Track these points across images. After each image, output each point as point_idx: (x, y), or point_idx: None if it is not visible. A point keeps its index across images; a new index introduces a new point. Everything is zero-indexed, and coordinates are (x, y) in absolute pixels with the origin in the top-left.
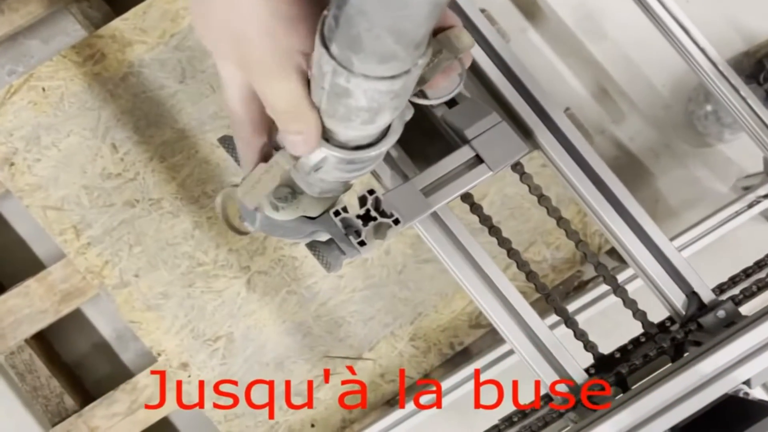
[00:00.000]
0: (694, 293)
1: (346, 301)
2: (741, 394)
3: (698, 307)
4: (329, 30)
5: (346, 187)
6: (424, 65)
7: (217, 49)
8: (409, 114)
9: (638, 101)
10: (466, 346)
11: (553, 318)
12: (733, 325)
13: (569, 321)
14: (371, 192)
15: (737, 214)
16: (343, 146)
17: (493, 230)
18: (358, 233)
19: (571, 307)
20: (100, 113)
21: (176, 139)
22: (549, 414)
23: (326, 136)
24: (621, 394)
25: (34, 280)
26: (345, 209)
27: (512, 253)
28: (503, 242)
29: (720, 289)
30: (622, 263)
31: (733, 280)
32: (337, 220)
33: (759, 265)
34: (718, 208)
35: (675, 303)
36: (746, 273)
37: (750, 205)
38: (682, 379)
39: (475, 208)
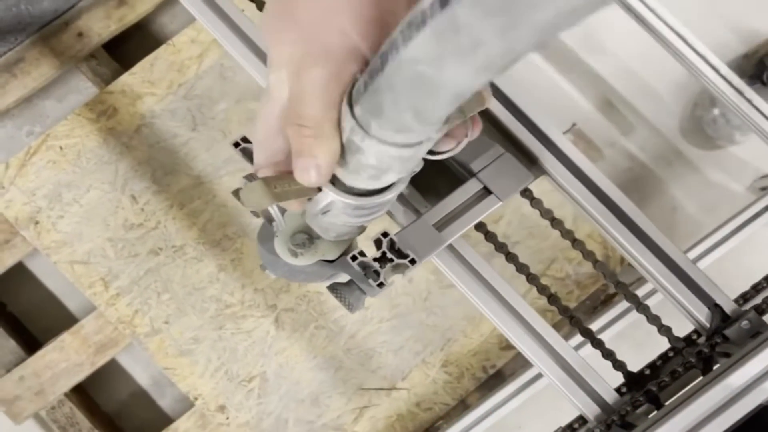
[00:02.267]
0: (717, 306)
1: (374, 332)
2: None
3: (722, 319)
4: (357, 92)
5: (361, 229)
6: (437, 139)
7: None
8: (419, 167)
9: (645, 111)
10: (499, 368)
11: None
12: (759, 335)
13: (595, 341)
14: (385, 234)
15: (757, 216)
16: (349, 192)
17: (510, 256)
18: (377, 274)
19: (597, 324)
20: (117, 166)
21: (193, 186)
22: None
23: (333, 181)
24: (655, 412)
25: (68, 333)
26: (362, 253)
27: (531, 278)
28: (521, 268)
29: (743, 298)
30: None
31: (756, 288)
32: (355, 264)
33: None
34: (736, 210)
35: (698, 317)
36: (767, 279)
37: None
38: (714, 393)
39: (490, 236)
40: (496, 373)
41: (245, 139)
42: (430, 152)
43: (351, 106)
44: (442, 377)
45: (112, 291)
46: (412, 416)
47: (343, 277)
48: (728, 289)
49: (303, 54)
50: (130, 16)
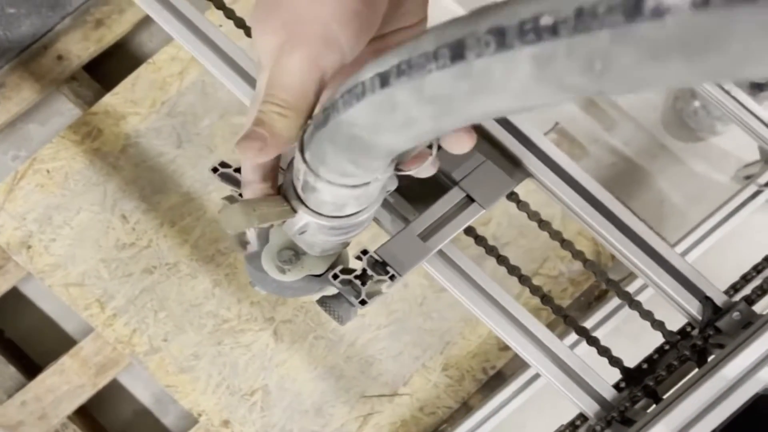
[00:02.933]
0: (707, 298)
1: (373, 339)
2: None
3: (713, 311)
4: (307, 138)
5: (345, 243)
6: (384, 181)
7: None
8: (393, 185)
9: (626, 106)
10: (499, 369)
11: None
12: (750, 325)
13: (591, 339)
14: (365, 252)
15: (743, 205)
16: (322, 214)
17: (501, 259)
18: (357, 293)
19: (592, 320)
20: (106, 187)
21: (183, 203)
22: None
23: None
24: (654, 406)
25: (68, 356)
26: (343, 271)
27: (523, 279)
28: (513, 270)
29: (734, 288)
30: None
31: (745, 278)
32: (336, 282)
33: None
34: (722, 200)
35: (690, 310)
36: (757, 270)
37: (754, 195)
38: (711, 385)
39: (480, 240)
40: (497, 373)
41: (224, 164)
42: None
43: (302, 151)
44: (443, 381)
45: (108, 312)
46: (415, 421)
47: (332, 290)
48: (719, 278)
49: (283, 41)
50: (109, 36)
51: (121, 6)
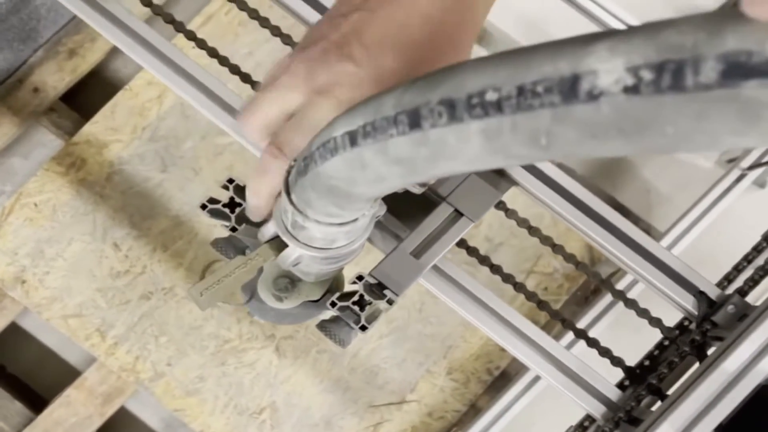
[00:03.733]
0: (701, 293)
1: (375, 348)
2: None
3: (708, 305)
4: (291, 182)
5: (340, 268)
6: (373, 213)
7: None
8: (382, 211)
9: None
10: (504, 369)
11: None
12: (746, 317)
13: (590, 340)
14: (360, 278)
15: (728, 190)
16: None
17: (494, 268)
18: (357, 317)
19: (590, 315)
20: (95, 216)
21: (173, 227)
22: None
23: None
24: (659, 403)
25: (73, 388)
26: (341, 297)
27: (518, 287)
28: (507, 278)
29: (727, 279)
30: None
31: (737, 269)
32: (335, 310)
33: (757, 249)
34: (708, 185)
35: (685, 305)
36: (747, 260)
37: (738, 179)
38: (713, 380)
39: (471, 251)
40: (501, 373)
41: (212, 200)
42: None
43: (288, 193)
44: (449, 384)
45: (109, 340)
46: (425, 427)
47: (331, 313)
48: (712, 265)
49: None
50: (83, 66)
51: (93, 34)
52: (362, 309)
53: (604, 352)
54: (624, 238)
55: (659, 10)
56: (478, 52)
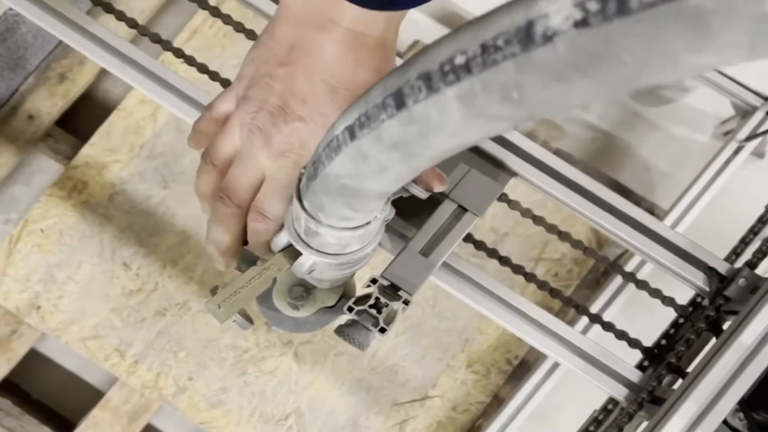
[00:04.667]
0: (711, 269)
1: (393, 347)
2: None
3: (719, 280)
4: (303, 189)
5: (353, 272)
6: (384, 216)
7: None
8: (391, 214)
9: None
10: (523, 357)
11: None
12: (757, 289)
13: (605, 324)
14: (374, 281)
15: (727, 163)
16: (327, 253)
17: (503, 260)
18: (375, 320)
19: (603, 298)
20: (102, 238)
21: (180, 242)
22: (620, 418)
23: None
24: (680, 381)
25: (98, 409)
26: (356, 302)
27: (529, 277)
28: (517, 269)
29: (735, 253)
30: None
31: (744, 242)
32: (352, 315)
33: (762, 221)
34: (706, 159)
35: (696, 282)
36: (753, 231)
37: (736, 152)
38: (731, 354)
39: (479, 245)
40: (521, 362)
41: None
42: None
43: (300, 199)
44: (470, 377)
45: (129, 359)
46: (451, 421)
47: (347, 318)
48: (719, 238)
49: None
50: (74, 89)
51: (81, 57)
52: (379, 311)
53: (621, 335)
54: (629, 220)
55: None
56: None
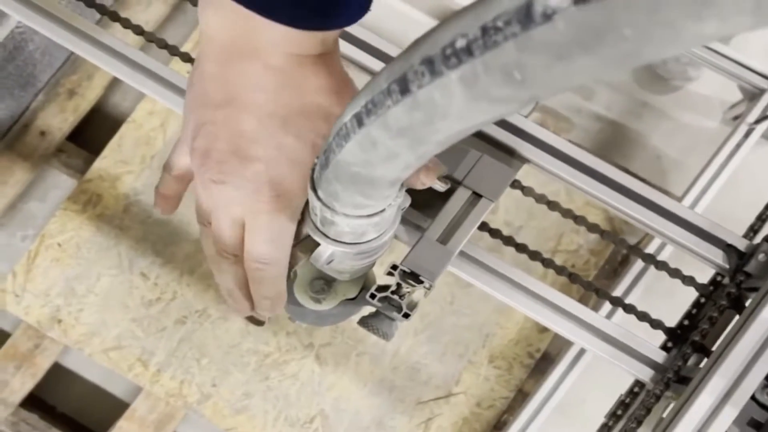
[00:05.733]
0: (729, 246)
1: (413, 345)
2: None
3: (738, 257)
4: (316, 178)
5: (372, 263)
6: (398, 202)
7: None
8: (407, 202)
9: None
10: (544, 351)
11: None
12: None
13: (626, 307)
14: (395, 267)
15: (738, 147)
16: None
17: (520, 247)
18: (398, 307)
19: (622, 286)
20: (119, 249)
21: (197, 250)
22: (647, 400)
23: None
24: (705, 359)
25: (124, 419)
26: (378, 289)
27: (547, 263)
28: (534, 255)
29: (752, 230)
30: None
31: (761, 218)
32: (375, 302)
33: None
34: (717, 145)
35: (715, 260)
36: None
37: (747, 135)
38: (755, 329)
39: (494, 233)
40: (543, 355)
41: None
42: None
43: (315, 189)
44: (493, 373)
45: (152, 368)
46: (476, 417)
47: (369, 310)
48: (736, 221)
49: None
50: (83, 104)
51: (89, 72)
52: (401, 298)
53: (642, 317)
54: (644, 201)
55: None
56: None
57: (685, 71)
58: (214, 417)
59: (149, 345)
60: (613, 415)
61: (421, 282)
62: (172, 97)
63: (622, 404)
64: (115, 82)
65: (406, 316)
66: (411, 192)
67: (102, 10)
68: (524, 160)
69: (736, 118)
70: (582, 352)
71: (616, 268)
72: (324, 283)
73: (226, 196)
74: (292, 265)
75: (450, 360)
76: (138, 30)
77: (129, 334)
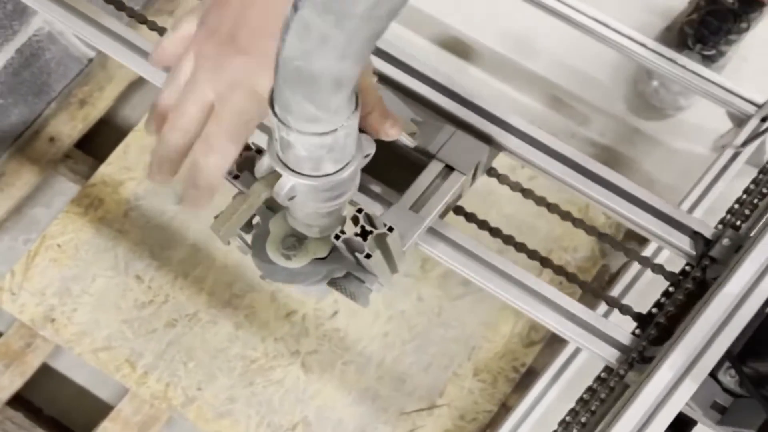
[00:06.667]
0: (696, 233)
1: (400, 355)
2: None
3: (704, 243)
4: (274, 89)
5: (341, 220)
6: (352, 125)
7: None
8: (370, 148)
9: (592, 99)
10: (529, 365)
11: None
12: (741, 248)
13: (596, 292)
14: (360, 210)
15: (724, 169)
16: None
17: (519, 246)
18: (360, 248)
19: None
20: (116, 251)
21: (192, 254)
22: (612, 379)
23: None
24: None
25: (108, 421)
26: (343, 231)
27: (545, 262)
28: (532, 254)
29: (722, 223)
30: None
31: (731, 212)
32: (339, 243)
33: (747, 192)
34: (706, 170)
35: (683, 247)
36: (739, 202)
37: (733, 158)
38: (716, 304)
39: (495, 232)
40: (528, 370)
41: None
42: None
43: (272, 106)
44: (477, 386)
45: (139, 370)
46: (459, 430)
47: (340, 272)
48: None
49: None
50: (93, 113)
51: (101, 83)
52: (365, 239)
53: (612, 302)
54: (614, 188)
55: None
56: (466, 68)
57: (676, 101)
58: (198, 420)
59: (138, 346)
60: (581, 401)
61: (385, 225)
62: None
63: (590, 390)
64: (125, 95)
65: (368, 256)
66: (384, 168)
67: (130, 12)
68: (500, 147)
69: (723, 147)
70: (564, 366)
71: (603, 286)
72: (295, 240)
73: (206, 76)
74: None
75: (435, 371)
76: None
77: (119, 335)
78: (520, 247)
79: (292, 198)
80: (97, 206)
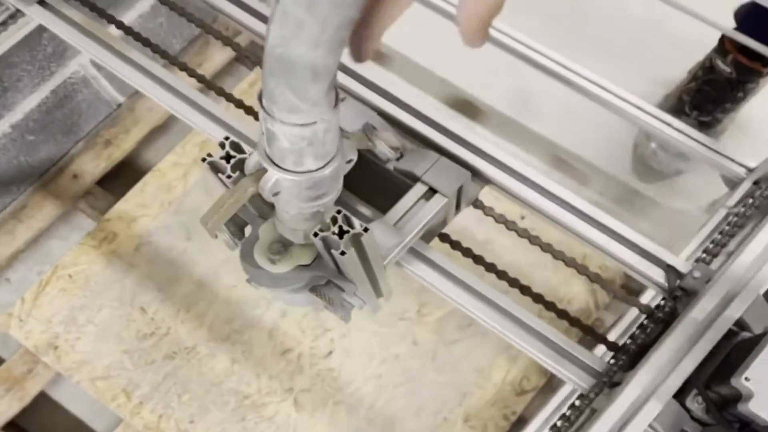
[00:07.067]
0: (670, 266)
1: (392, 398)
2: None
3: (677, 276)
4: (262, 83)
5: (324, 225)
6: (331, 121)
7: None
8: (352, 155)
9: (593, 160)
10: (520, 414)
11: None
12: (710, 280)
13: (565, 316)
14: (339, 211)
15: (716, 229)
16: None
17: (524, 289)
18: (336, 246)
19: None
20: (124, 284)
21: (196, 290)
22: (583, 405)
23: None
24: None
25: None
26: (322, 229)
27: (548, 306)
28: (537, 298)
29: (695, 260)
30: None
31: (703, 250)
32: (317, 240)
33: (719, 230)
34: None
35: (656, 279)
36: (711, 240)
37: (725, 218)
38: (682, 329)
39: (501, 275)
40: (519, 419)
41: (210, 155)
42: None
43: (260, 98)
44: None
45: (135, 400)
46: None
47: (322, 280)
48: None
49: None
50: (117, 153)
51: (127, 127)
52: (341, 237)
53: (588, 330)
54: (591, 221)
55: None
56: (474, 127)
57: (676, 164)
58: None
59: (136, 377)
60: (554, 427)
61: (361, 226)
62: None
63: (564, 417)
64: (148, 139)
65: (343, 253)
66: (371, 193)
67: (167, 56)
68: (486, 180)
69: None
70: (553, 415)
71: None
72: (282, 246)
73: None
74: None
75: (426, 416)
76: (198, 76)
77: (119, 365)
78: (526, 290)
79: (276, 194)
80: (110, 240)
